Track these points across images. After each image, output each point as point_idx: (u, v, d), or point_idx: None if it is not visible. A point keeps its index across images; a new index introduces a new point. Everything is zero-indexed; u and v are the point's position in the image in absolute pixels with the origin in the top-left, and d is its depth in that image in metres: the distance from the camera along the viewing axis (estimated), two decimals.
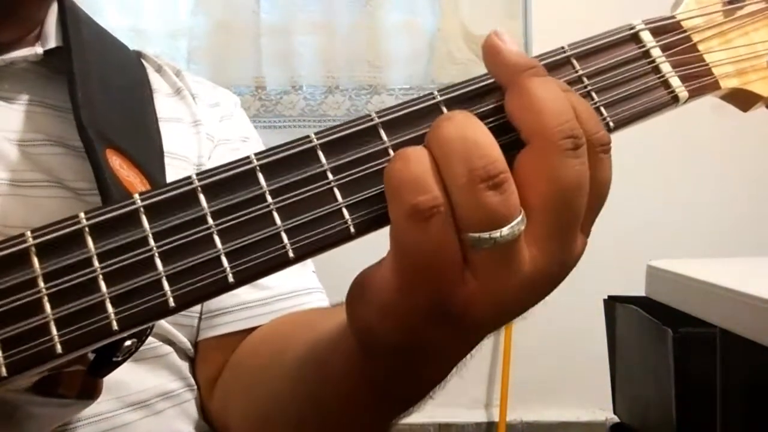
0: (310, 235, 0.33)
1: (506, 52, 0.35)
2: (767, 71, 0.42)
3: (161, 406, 0.56)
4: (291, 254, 0.33)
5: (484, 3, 2.32)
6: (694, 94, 0.40)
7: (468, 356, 0.39)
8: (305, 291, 0.64)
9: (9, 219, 0.50)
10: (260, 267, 0.33)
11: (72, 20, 0.57)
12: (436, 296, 0.33)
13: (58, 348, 0.31)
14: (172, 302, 0.32)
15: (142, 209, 0.33)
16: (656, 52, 0.40)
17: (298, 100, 2.39)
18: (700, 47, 0.41)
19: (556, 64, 0.38)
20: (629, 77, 0.39)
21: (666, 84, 0.40)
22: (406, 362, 0.37)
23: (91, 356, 0.42)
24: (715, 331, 1.11)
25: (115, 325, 0.31)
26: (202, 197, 0.33)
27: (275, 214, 0.33)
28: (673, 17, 0.41)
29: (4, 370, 0.30)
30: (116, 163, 0.50)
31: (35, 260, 0.31)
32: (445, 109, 0.36)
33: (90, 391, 0.44)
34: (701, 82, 0.41)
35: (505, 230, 0.32)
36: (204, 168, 0.59)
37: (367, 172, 0.34)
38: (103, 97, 0.54)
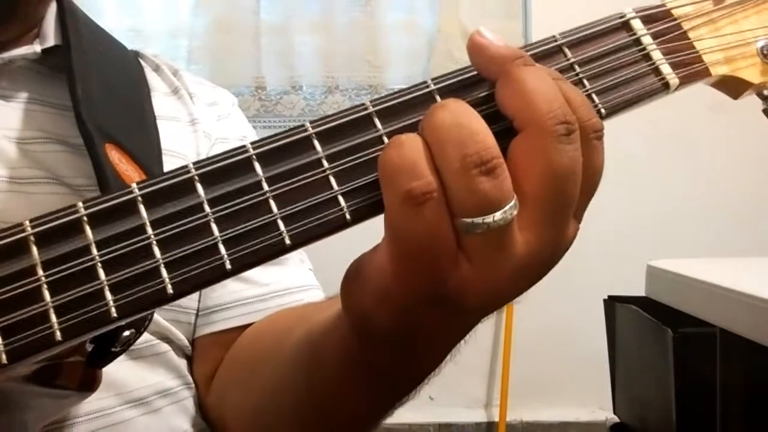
0: (307, 222, 0.34)
1: (492, 47, 0.36)
2: (756, 58, 0.43)
3: (160, 403, 0.56)
4: (288, 241, 0.33)
5: (483, 2, 2.32)
6: (684, 81, 0.41)
7: (462, 342, 0.39)
8: (302, 288, 0.64)
9: (8, 216, 0.50)
10: (257, 254, 0.33)
11: (71, 19, 0.58)
12: (431, 280, 0.34)
13: (58, 335, 0.31)
14: (170, 289, 0.32)
15: (139, 198, 0.33)
16: (647, 40, 0.40)
17: (298, 100, 2.39)
18: (691, 35, 0.42)
19: (548, 53, 0.38)
20: (620, 65, 0.39)
21: (657, 71, 0.40)
22: (402, 347, 0.37)
23: (90, 347, 0.42)
24: (715, 331, 1.11)
25: (114, 313, 0.31)
26: (199, 186, 0.33)
27: (272, 202, 0.33)
28: (663, 6, 0.42)
29: (4, 357, 0.30)
30: (115, 157, 0.50)
31: (34, 249, 0.32)
32: (438, 98, 0.36)
33: (89, 383, 0.44)
34: (691, 69, 0.41)
35: (497, 215, 0.32)
36: None
37: (361, 160, 0.35)
38: (102, 94, 0.54)
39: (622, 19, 0.40)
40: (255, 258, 0.33)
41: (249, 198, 0.33)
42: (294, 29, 2.37)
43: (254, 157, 0.34)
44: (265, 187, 0.34)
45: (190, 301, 0.60)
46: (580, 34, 0.39)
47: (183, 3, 2.39)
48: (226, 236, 0.33)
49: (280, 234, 0.33)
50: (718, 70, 0.42)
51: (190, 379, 0.60)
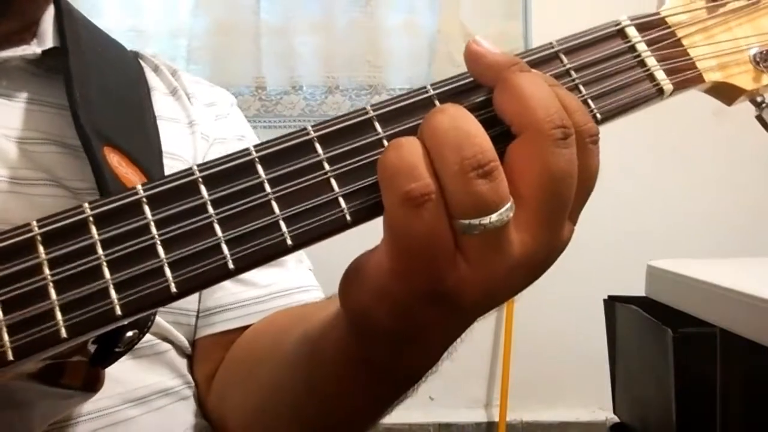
0: (308, 223, 0.34)
1: (488, 55, 0.37)
2: (749, 65, 0.44)
3: (161, 402, 0.56)
4: (289, 242, 0.34)
5: (483, 3, 2.33)
6: (678, 87, 0.41)
7: (459, 339, 0.40)
8: (301, 288, 0.64)
9: (8, 216, 0.50)
10: (260, 254, 0.34)
11: (68, 21, 0.58)
12: (429, 280, 0.34)
13: (63, 332, 0.31)
14: (173, 288, 0.32)
15: (144, 199, 0.33)
16: (642, 47, 0.41)
17: (298, 100, 2.39)
18: (685, 42, 0.42)
19: (545, 59, 0.39)
20: (615, 71, 0.40)
21: (651, 77, 0.41)
22: (400, 344, 0.38)
23: (93, 347, 0.42)
24: (715, 331, 1.11)
25: (118, 311, 0.32)
26: (202, 187, 0.34)
27: (274, 203, 0.34)
28: (657, 14, 0.43)
29: (10, 354, 0.31)
30: (114, 160, 0.50)
31: (41, 248, 0.32)
32: (437, 103, 0.37)
33: (92, 383, 0.44)
34: (685, 75, 0.42)
35: (494, 217, 0.33)
36: None
37: (362, 162, 0.35)
38: (100, 96, 0.55)
39: (618, 27, 0.41)
40: (257, 258, 0.34)
41: (251, 199, 0.34)
42: (294, 29, 2.37)
43: (257, 159, 0.35)
44: (268, 188, 0.34)
45: (191, 303, 0.61)
46: (576, 41, 0.40)
47: (183, 3, 2.39)
48: (229, 237, 0.33)
49: (282, 235, 0.34)
50: (711, 77, 0.43)
51: (191, 378, 0.60)
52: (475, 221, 0.33)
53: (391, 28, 2.38)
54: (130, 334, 0.44)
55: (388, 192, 0.34)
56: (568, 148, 0.34)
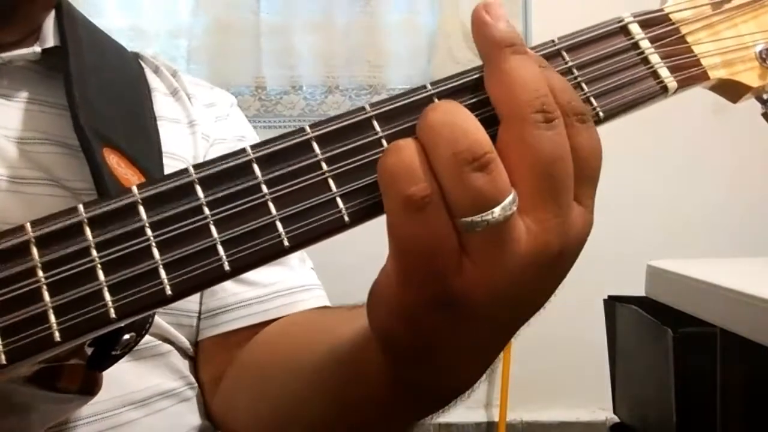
0: (305, 224, 0.34)
1: (490, 27, 0.36)
2: (755, 62, 0.43)
3: (162, 404, 0.56)
4: (286, 243, 0.33)
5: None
6: (682, 84, 0.41)
7: (496, 357, 0.38)
8: (303, 287, 0.64)
9: (6, 216, 0.50)
10: (256, 256, 0.33)
11: (68, 21, 0.58)
12: (436, 285, 0.33)
13: (57, 336, 0.31)
14: (169, 290, 0.32)
15: (139, 201, 0.33)
16: (645, 44, 0.40)
17: (298, 100, 2.39)
18: (689, 39, 0.42)
19: (546, 57, 0.39)
20: (618, 68, 0.39)
21: (655, 74, 0.40)
22: (425, 359, 0.36)
23: (90, 350, 0.42)
24: (715, 331, 1.11)
25: (112, 313, 0.31)
26: (198, 188, 0.33)
27: (270, 204, 0.34)
28: (661, 10, 0.42)
29: (3, 358, 0.31)
30: (113, 161, 0.50)
31: (34, 250, 0.32)
32: (436, 101, 0.36)
33: (90, 386, 0.44)
34: (690, 72, 0.41)
35: (497, 211, 0.32)
36: None
37: (360, 162, 0.35)
38: (100, 96, 0.55)
39: (620, 24, 0.41)
40: (253, 260, 0.33)
41: (248, 200, 0.34)
42: (294, 29, 2.37)
43: (254, 160, 0.34)
44: (264, 189, 0.34)
45: (192, 304, 0.60)
46: (579, 38, 0.39)
47: (183, 3, 2.38)
48: (225, 238, 0.33)
49: (279, 236, 0.33)
50: (716, 74, 0.42)
51: (193, 379, 0.60)
52: (477, 218, 0.32)
53: (391, 27, 2.38)
54: (127, 336, 0.43)
55: (388, 198, 0.33)
56: (552, 130, 0.33)
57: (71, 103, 0.52)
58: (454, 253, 0.33)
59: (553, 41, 0.39)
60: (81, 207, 0.33)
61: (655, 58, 0.40)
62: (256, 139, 0.69)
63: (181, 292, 0.32)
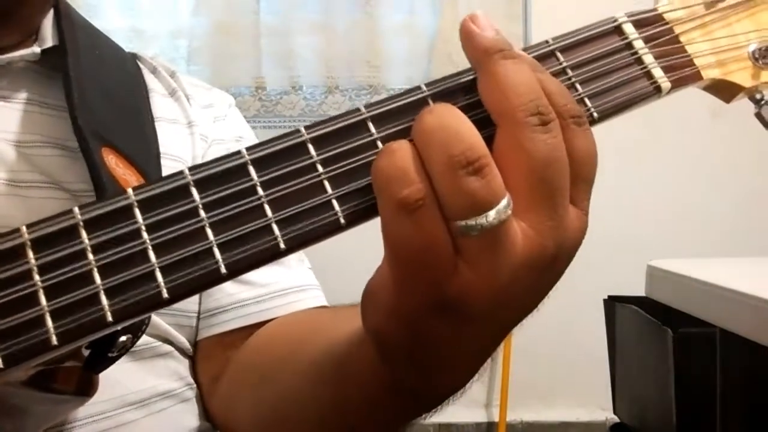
0: (301, 226, 0.34)
1: (478, 37, 0.36)
2: (748, 62, 0.43)
3: (161, 405, 0.56)
4: (282, 245, 0.33)
5: (483, 4, 2.32)
6: (676, 84, 0.41)
7: (489, 359, 0.38)
8: (301, 287, 0.64)
9: (8, 219, 0.50)
10: (252, 258, 0.33)
11: (66, 22, 0.58)
12: (432, 289, 0.33)
13: (54, 340, 0.31)
14: (165, 293, 0.32)
15: (135, 203, 0.33)
16: (639, 44, 0.40)
17: (298, 100, 2.39)
18: (682, 39, 0.42)
19: (541, 57, 0.39)
20: (612, 68, 0.39)
21: (649, 75, 0.40)
22: (419, 362, 0.36)
23: (86, 352, 0.42)
24: (715, 331, 1.11)
25: (109, 317, 0.31)
26: (194, 190, 0.33)
27: (266, 206, 0.34)
28: (655, 10, 0.42)
29: (0, 362, 0.30)
30: (112, 161, 0.50)
31: (30, 254, 0.32)
32: (431, 102, 0.36)
33: (86, 388, 0.44)
34: (683, 72, 0.41)
35: (491, 215, 0.32)
36: None
37: (355, 164, 0.35)
38: (98, 97, 0.55)
39: (614, 24, 0.41)
40: (249, 262, 0.33)
41: (244, 203, 0.33)
42: (294, 30, 2.37)
43: (249, 162, 0.34)
44: (260, 191, 0.34)
45: (192, 304, 0.60)
46: (573, 39, 0.39)
47: (183, 4, 2.38)
48: (221, 240, 0.33)
49: (275, 238, 0.33)
50: (709, 74, 0.42)
51: (192, 380, 0.60)
52: (472, 221, 0.32)
53: (390, 28, 2.38)
54: (123, 338, 0.43)
55: (382, 200, 0.33)
56: (548, 133, 0.33)
57: (70, 103, 0.52)
58: (449, 256, 0.33)
59: (547, 41, 0.39)
60: (77, 209, 0.33)
61: (648, 58, 0.40)
62: (255, 140, 0.70)
63: (177, 296, 0.32)
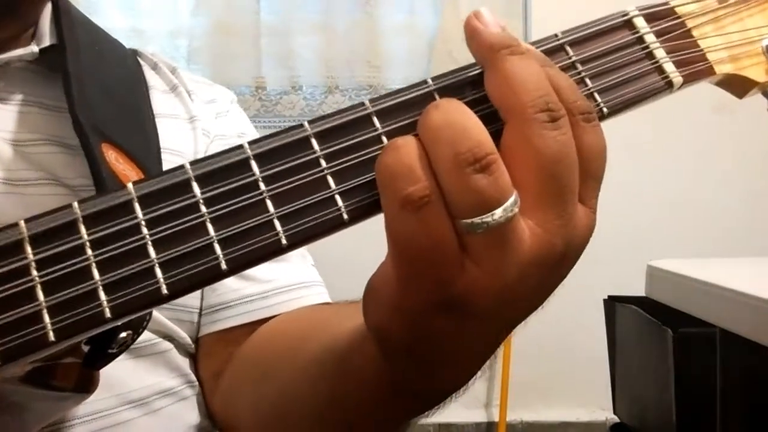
0: (303, 222, 0.33)
1: (483, 33, 0.35)
2: (762, 57, 0.42)
3: (160, 403, 0.56)
4: (284, 241, 0.33)
5: (484, 3, 2.31)
6: (688, 79, 0.40)
7: (492, 356, 0.38)
8: (304, 284, 0.64)
9: (6, 217, 0.50)
10: (253, 254, 0.32)
11: (66, 18, 0.57)
12: (437, 287, 0.33)
13: (51, 336, 0.30)
14: (164, 290, 0.31)
15: (135, 198, 0.32)
16: (650, 38, 0.40)
17: (298, 100, 2.39)
18: (695, 33, 0.41)
19: (550, 51, 0.38)
20: (623, 63, 0.39)
21: (660, 69, 0.39)
22: (421, 360, 0.36)
23: (86, 348, 0.42)
24: (715, 331, 1.10)
25: (107, 313, 0.31)
26: (195, 185, 0.33)
27: (268, 202, 0.33)
28: (666, 3, 0.41)
29: None
30: (112, 157, 0.50)
31: (28, 249, 0.31)
32: (437, 97, 0.35)
33: (86, 384, 0.43)
34: (695, 67, 0.40)
35: (498, 213, 0.31)
36: None
37: (360, 159, 0.34)
38: (98, 93, 0.54)
39: (625, 18, 0.40)
40: (250, 258, 0.32)
41: (245, 198, 0.33)
42: (294, 30, 2.37)
43: (251, 156, 0.33)
44: (262, 186, 0.33)
45: (193, 300, 0.60)
46: (582, 33, 0.39)
47: (183, 3, 2.39)
48: (222, 236, 0.32)
49: (277, 234, 0.33)
50: (722, 69, 0.41)
51: (194, 377, 0.60)
52: (478, 219, 0.31)
53: (390, 28, 2.38)
54: (123, 335, 0.43)
55: (386, 197, 0.32)
56: (558, 130, 0.33)
57: (69, 100, 0.51)
58: (455, 254, 0.32)
59: (556, 35, 0.38)
60: (76, 204, 0.32)
61: (660, 53, 0.39)
62: (256, 136, 0.70)
63: (177, 291, 0.32)
